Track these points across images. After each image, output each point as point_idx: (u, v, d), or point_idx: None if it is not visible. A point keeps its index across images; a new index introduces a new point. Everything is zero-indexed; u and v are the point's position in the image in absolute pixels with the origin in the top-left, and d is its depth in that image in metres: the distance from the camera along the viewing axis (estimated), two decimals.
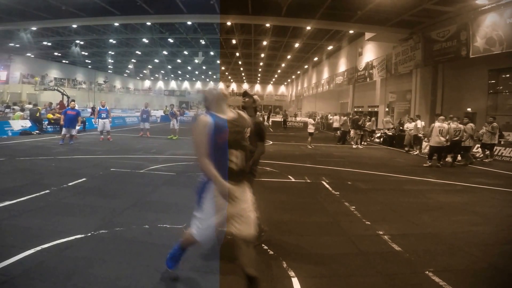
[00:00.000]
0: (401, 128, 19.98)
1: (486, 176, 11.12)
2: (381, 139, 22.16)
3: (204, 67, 56.69)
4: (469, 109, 18.99)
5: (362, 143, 19.85)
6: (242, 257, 3.12)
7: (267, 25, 26.57)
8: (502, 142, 15.52)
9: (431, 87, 21.14)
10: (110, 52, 43.17)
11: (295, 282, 3.73)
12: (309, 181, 9.20)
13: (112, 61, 49.64)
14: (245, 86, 72.17)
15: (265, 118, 37.64)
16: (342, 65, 37.16)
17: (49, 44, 36.46)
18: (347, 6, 19.46)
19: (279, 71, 55.66)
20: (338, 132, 22.83)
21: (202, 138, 2.95)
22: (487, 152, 14.77)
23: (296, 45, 34.09)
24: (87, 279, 3.57)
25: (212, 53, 40.94)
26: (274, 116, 49.10)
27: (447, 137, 12.22)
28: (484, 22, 15.58)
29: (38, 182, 7.57)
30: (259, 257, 4.03)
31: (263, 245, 4.55)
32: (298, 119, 42.64)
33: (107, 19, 25.31)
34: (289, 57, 41.42)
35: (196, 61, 42.78)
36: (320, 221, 5.92)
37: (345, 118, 21.74)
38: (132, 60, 50.37)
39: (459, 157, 13.82)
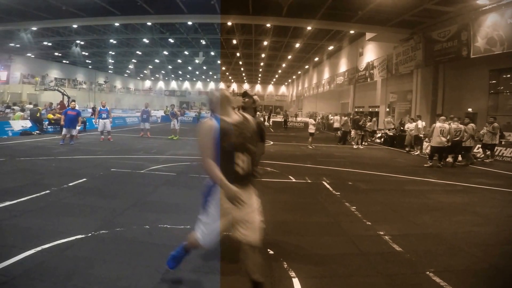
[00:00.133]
0: (401, 128, 19.97)
1: (487, 177, 11.11)
2: (382, 140, 22.15)
3: (204, 67, 56.70)
4: (470, 109, 18.97)
5: (363, 143, 19.83)
6: (248, 262, 3.09)
7: (268, 25, 26.59)
8: (503, 143, 15.50)
9: (432, 87, 21.12)
10: (110, 52, 43.20)
11: (296, 282, 3.73)
12: (309, 181, 9.19)
13: (113, 61, 49.68)
14: (246, 86, 72.16)
15: (266, 118, 37.62)
16: (343, 65, 37.14)
17: (50, 44, 36.51)
18: (348, 6, 19.45)
19: (279, 71, 55.64)
20: (339, 132, 22.82)
21: (207, 142, 2.92)
22: (488, 153, 14.76)
23: (297, 45, 34.08)
24: (88, 279, 3.57)
25: (212, 53, 40.95)
26: (274, 116, 49.15)
27: (448, 137, 12.21)
28: (485, 22, 15.56)
29: (38, 182, 7.57)
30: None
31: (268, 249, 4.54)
32: (298, 119, 42.63)
33: (108, 19, 25.31)
34: (289, 57, 41.40)
35: (197, 61, 42.82)
36: (321, 222, 5.91)
37: (346, 118, 21.73)
38: (133, 60, 50.40)
39: (459, 158, 13.81)
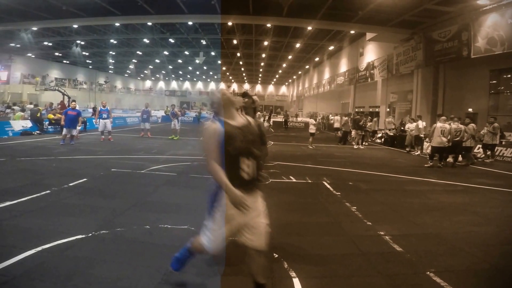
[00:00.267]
0: (402, 128, 19.97)
1: (487, 177, 11.10)
2: (382, 140, 22.15)
3: (205, 67, 56.68)
4: (470, 110, 18.97)
5: (363, 143, 19.83)
6: (253, 265, 3.09)
7: (268, 25, 26.57)
8: (503, 143, 15.50)
9: (432, 87, 21.11)
10: (111, 52, 43.20)
11: (296, 282, 3.73)
12: (310, 181, 9.19)
13: (113, 61, 49.69)
14: (246, 86, 72.12)
15: (266, 119, 37.60)
16: (343, 66, 37.12)
17: (50, 44, 36.50)
18: (348, 6, 19.43)
19: (280, 71, 55.62)
20: (339, 132, 22.81)
21: (211, 145, 2.89)
22: (488, 153, 14.75)
23: (297, 45, 34.07)
24: (88, 280, 3.57)
25: (213, 53, 40.94)
26: (275, 117, 49.12)
27: (449, 138, 12.21)
28: (486, 22, 15.55)
29: (39, 183, 7.57)
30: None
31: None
32: (299, 119, 42.62)
33: (108, 19, 25.31)
34: (290, 57, 41.38)
35: (197, 61, 42.77)
36: (321, 222, 5.91)
37: (346, 118, 21.72)
38: (133, 60, 50.38)
39: (460, 158, 13.80)
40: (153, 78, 74.99)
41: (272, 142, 19.21)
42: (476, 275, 4.13)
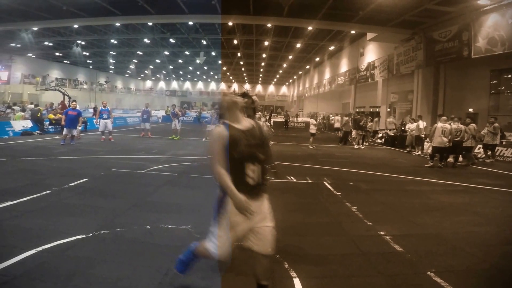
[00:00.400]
0: (402, 128, 19.96)
1: (488, 177, 11.10)
2: (383, 140, 22.15)
3: (205, 67, 56.64)
4: (471, 110, 18.96)
5: (364, 143, 19.82)
6: (258, 268, 3.07)
7: (269, 25, 26.56)
8: (503, 143, 15.49)
9: (433, 87, 21.10)
10: (111, 52, 43.20)
11: (297, 282, 3.73)
12: (310, 181, 9.19)
13: (114, 61, 49.69)
14: (247, 86, 72.12)
15: (267, 119, 37.59)
16: (344, 66, 37.12)
17: (50, 44, 36.49)
18: (349, 7, 19.43)
19: (280, 71, 55.59)
20: (339, 132, 22.80)
21: (217, 149, 2.86)
22: (489, 153, 14.75)
23: (298, 45, 34.05)
24: (88, 280, 3.58)
25: (213, 53, 40.92)
26: (275, 117, 49.09)
27: (449, 138, 12.20)
28: (486, 23, 15.54)
29: (39, 183, 7.58)
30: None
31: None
32: (299, 119, 42.60)
33: (108, 19, 25.31)
34: (290, 57, 41.36)
35: (198, 61, 42.78)
36: (322, 222, 5.91)
37: (347, 118, 21.71)
38: (134, 60, 50.37)
39: (460, 158, 13.80)
40: (153, 78, 74.97)
41: (273, 142, 19.20)
42: (477, 275, 4.13)
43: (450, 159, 13.35)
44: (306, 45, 33.99)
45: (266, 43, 33.30)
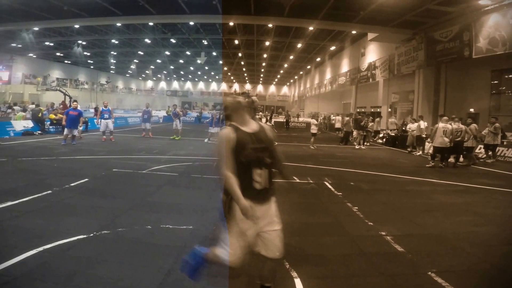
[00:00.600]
0: (403, 128, 19.95)
1: (489, 177, 11.09)
2: (384, 140, 22.14)
3: (206, 68, 56.63)
4: (471, 110, 18.93)
5: (365, 143, 19.80)
6: (264, 270, 3.04)
7: (270, 25, 26.52)
8: (504, 143, 15.47)
9: (434, 87, 21.06)
10: (112, 52, 43.20)
11: (298, 282, 3.74)
12: (311, 181, 9.18)
13: (114, 61, 49.69)
14: (248, 86, 72.10)
15: (268, 119, 37.58)
16: (345, 66, 37.09)
17: (51, 44, 36.48)
18: (350, 7, 19.40)
19: (281, 71, 55.54)
20: (340, 132, 22.78)
21: (224, 152, 2.82)
22: (490, 153, 14.73)
23: (299, 45, 34.00)
24: (89, 280, 3.58)
25: (214, 53, 40.91)
26: (276, 117, 49.07)
27: (450, 138, 12.20)
28: (487, 23, 15.52)
29: (40, 183, 7.59)
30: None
31: None
32: (300, 119, 42.57)
33: (109, 19, 25.30)
34: (291, 57, 41.30)
35: (199, 61, 42.77)
36: (323, 222, 5.92)
37: (348, 118, 21.70)
38: (135, 61, 50.37)
39: (461, 158, 13.79)
40: (154, 78, 74.93)
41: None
42: (477, 275, 4.13)
43: (451, 159, 13.35)
44: (307, 45, 33.95)
45: (267, 43, 33.28)
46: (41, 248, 4.20)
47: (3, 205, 5.84)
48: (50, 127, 19.91)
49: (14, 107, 30.68)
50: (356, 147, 18.94)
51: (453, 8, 17.23)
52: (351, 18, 21.19)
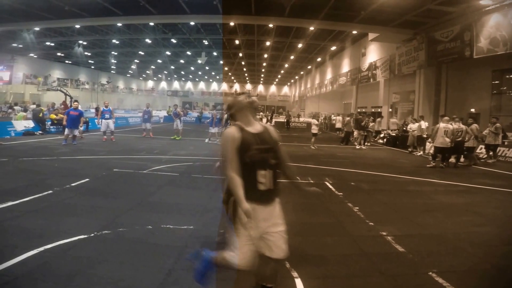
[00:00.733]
0: (404, 128, 19.94)
1: (489, 177, 11.08)
2: (385, 140, 22.13)
3: (207, 68, 56.64)
4: (472, 110, 18.91)
5: (365, 143, 19.80)
6: (267, 271, 3.01)
7: (270, 25, 26.51)
8: (505, 143, 15.46)
9: (435, 87, 21.05)
10: (113, 52, 43.23)
11: (298, 282, 3.74)
12: (312, 181, 9.17)
13: (115, 61, 49.72)
14: (248, 86, 72.13)
15: (268, 119, 37.58)
16: (346, 66, 37.09)
17: (52, 44, 36.51)
18: (351, 7, 19.40)
19: (282, 71, 55.53)
20: (341, 132, 22.75)
21: (229, 153, 2.79)
22: (491, 153, 14.72)
23: (299, 45, 34.00)
24: (90, 280, 3.58)
25: (215, 53, 40.91)
26: (277, 117, 49.07)
27: (451, 138, 12.19)
28: (488, 23, 15.51)
29: (41, 183, 7.59)
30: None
31: None
32: (301, 119, 42.56)
33: (110, 19, 25.33)
34: (292, 57, 41.30)
35: (199, 61, 42.76)
36: (323, 222, 5.91)
37: (349, 118, 21.70)
38: (135, 61, 50.39)
39: (462, 158, 13.78)
40: (155, 78, 74.96)
41: None
42: (478, 276, 4.13)
43: (452, 160, 13.34)
44: (308, 45, 33.94)
45: (268, 43, 33.29)
46: (42, 248, 4.21)
47: (4, 205, 5.84)
48: (51, 127, 19.93)
49: (15, 107, 30.70)
50: (357, 147, 18.94)
51: (454, 8, 17.22)
52: (351, 18, 21.19)
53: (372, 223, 5.81)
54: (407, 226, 5.81)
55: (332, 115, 36.26)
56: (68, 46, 37.10)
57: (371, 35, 26.55)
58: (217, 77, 69.61)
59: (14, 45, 34.54)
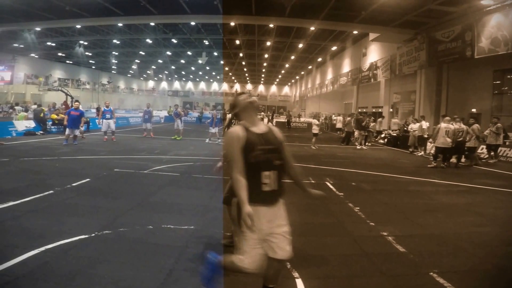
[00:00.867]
0: (405, 129, 19.92)
1: (491, 177, 11.07)
2: (385, 140, 22.12)
3: (208, 68, 56.70)
4: (473, 110, 18.89)
5: (366, 144, 19.78)
6: (269, 271, 2.99)
7: (271, 25, 26.53)
8: (507, 143, 15.44)
9: (436, 87, 21.04)
10: (113, 52, 43.27)
11: (299, 283, 3.73)
12: (313, 181, 9.16)
13: (116, 61, 49.76)
14: (249, 86, 72.13)
15: (269, 119, 37.59)
16: (346, 66, 37.08)
17: (53, 44, 36.60)
18: (351, 7, 19.38)
19: (283, 71, 55.55)
20: (341, 132, 22.73)
21: (233, 153, 2.73)
22: (492, 153, 14.70)
23: (300, 45, 34.01)
24: (91, 280, 3.58)
25: (215, 53, 40.94)
26: (277, 117, 49.08)
27: (452, 138, 12.18)
28: (489, 23, 15.50)
29: (42, 183, 7.59)
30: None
31: None
32: (302, 119, 42.55)
33: (111, 19, 25.37)
34: (293, 57, 41.32)
35: (200, 61, 42.77)
36: (324, 222, 5.91)
37: (349, 118, 21.70)
38: (136, 61, 50.45)
39: (463, 158, 13.76)
40: (155, 79, 75.02)
41: None
42: (479, 276, 4.12)
43: (453, 160, 13.33)
44: (308, 45, 33.96)
45: (268, 43, 33.32)
46: (42, 248, 4.20)
47: (5, 205, 5.84)
48: (52, 127, 19.94)
49: (16, 107, 30.73)
50: (358, 147, 18.93)
51: (455, 8, 17.20)
52: (352, 18, 21.18)
53: (373, 223, 5.80)
54: (408, 226, 5.81)
55: (333, 115, 36.26)
56: (69, 46, 37.19)
57: (371, 35, 26.54)
58: (218, 77, 69.63)
59: (15, 45, 34.64)
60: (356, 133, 19.98)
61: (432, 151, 14.06)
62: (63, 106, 24.52)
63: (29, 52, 40.04)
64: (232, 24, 26.53)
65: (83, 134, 16.09)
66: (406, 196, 8.09)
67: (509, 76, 17.81)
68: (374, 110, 29.82)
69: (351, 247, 4.84)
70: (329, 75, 43.17)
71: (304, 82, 60.23)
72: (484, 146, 15.14)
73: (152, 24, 29.17)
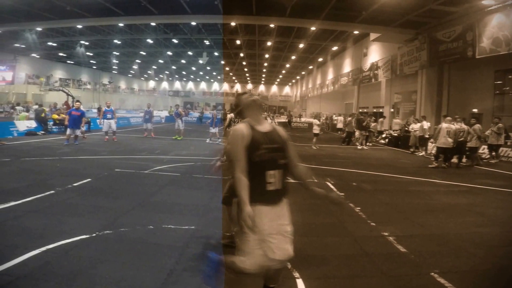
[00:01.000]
0: (406, 129, 19.91)
1: (492, 177, 11.05)
2: (386, 140, 22.10)
3: (208, 68, 56.71)
4: (475, 110, 18.87)
5: (367, 144, 19.77)
6: (270, 271, 2.98)
7: (272, 25, 26.53)
8: (508, 143, 15.42)
9: (437, 87, 21.01)
10: (114, 52, 43.28)
11: (300, 283, 3.73)
12: (316, 181, 9.14)
13: (117, 61, 49.77)
14: (250, 86, 72.13)
15: (271, 119, 37.59)
16: (347, 66, 37.04)
17: (54, 44, 36.64)
18: (352, 7, 19.37)
19: (283, 71, 55.53)
20: (342, 132, 22.72)
21: (237, 152, 2.69)
22: (494, 153, 14.68)
23: (301, 45, 34.00)
24: (92, 280, 3.58)
25: (216, 53, 40.92)
26: (278, 117, 49.07)
27: (454, 138, 12.17)
28: (491, 23, 15.47)
29: (43, 183, 7.60)
30: None
31: None
32: (302, 119, 42.53)
33: (112, 19, 25.40)
34: (293, 57, 41.30)
35: (201, 61, 42.81)
36: (325, 222, 5.91)
37: (350, 118, 21.69)
38: (137, 61, 50.48)
39: (464, 158, 13.75)
40: (156, 79, 75.07)
41: None
42: (480, 276, 4.12)
43: (454, 160, 13.31)
44: (309, 45, 33.96)
45: (269, 43, 33.31)
46: (43, 248, 4.21)
47: (6, 205, 5.85)
48: (53, 127, 19.98)
49: (17, 107, 30.75)
50: (358, 147, 18.92)
51: (456, 8, 17.18)
52: (353, 18, 21.16)
53: (373, 224, 5.80)
54: (409, 227, 5.80)
55: (334, 115, 36.25)
56: (70, 46, 37.21)
57: (372, 35, 26.51)
58: (219, 77, 69.60)
59: (17, 45, 34.66)
60: (357, 133, 19.97)
61: (433, 151, 14.05)
62: (64, 106, 24.53)
63: (30, 52, 40.08)
64: (233, 24, 26.54)
65: (84, 134, 16.09)
66: (407, 196, 8.08)
67: (510, 76, 17.78)
68: (375, 110, 29.79)
69: (351, 247, 4.84)
70: (330, 75, 43.14)
71: (305, 82, 60.22)
72: (486, 146, 15.12)
73: (153, 24, 29.20)
